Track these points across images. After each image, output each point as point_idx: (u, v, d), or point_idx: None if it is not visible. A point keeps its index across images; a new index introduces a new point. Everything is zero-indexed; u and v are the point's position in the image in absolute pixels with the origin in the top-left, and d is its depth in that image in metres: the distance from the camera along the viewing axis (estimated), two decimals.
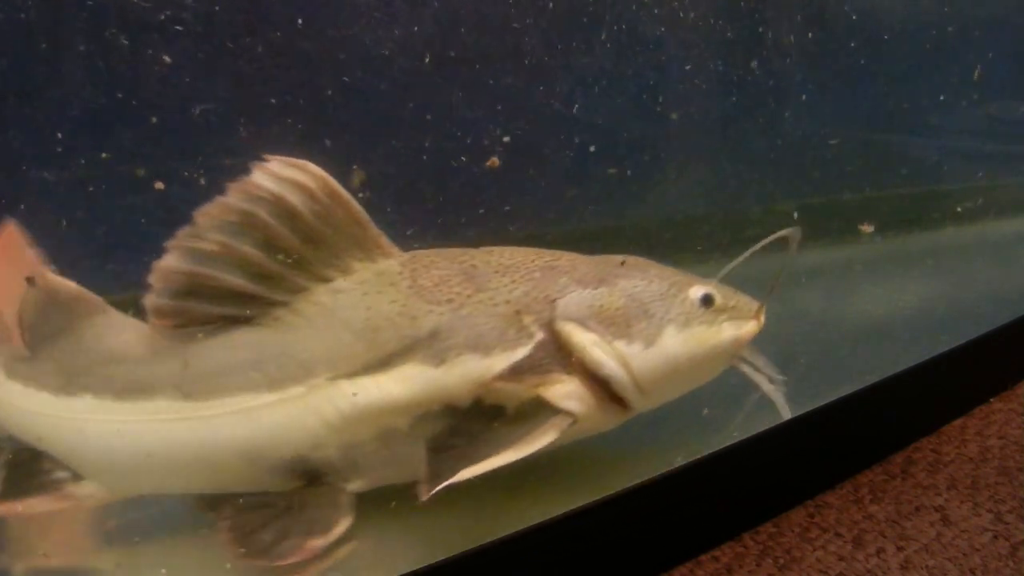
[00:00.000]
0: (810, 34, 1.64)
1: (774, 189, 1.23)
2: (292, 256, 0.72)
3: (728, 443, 0.88)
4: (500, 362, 0.72)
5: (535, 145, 1.39)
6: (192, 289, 0.71)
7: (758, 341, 0.85)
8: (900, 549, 0.89)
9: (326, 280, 0.74)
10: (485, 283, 0.76)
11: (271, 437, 0.71)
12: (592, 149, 1.47)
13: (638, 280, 0.80)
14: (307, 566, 0.67)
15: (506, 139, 1.33)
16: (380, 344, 0.72)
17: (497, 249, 0.81)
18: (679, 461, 0.79)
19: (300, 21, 1.09)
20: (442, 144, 1.30)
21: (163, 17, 1.01)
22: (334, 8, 1.12)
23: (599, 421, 0.78)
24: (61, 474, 0.74)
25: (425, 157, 1.28)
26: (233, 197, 0.70)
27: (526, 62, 1.34)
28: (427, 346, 0.72)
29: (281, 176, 0.71)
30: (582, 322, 0.75)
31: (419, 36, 1.19)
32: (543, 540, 0.75)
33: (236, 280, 0.71)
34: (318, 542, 0.68)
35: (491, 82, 1.32)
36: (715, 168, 1.56)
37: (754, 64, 1.59)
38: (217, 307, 0.72)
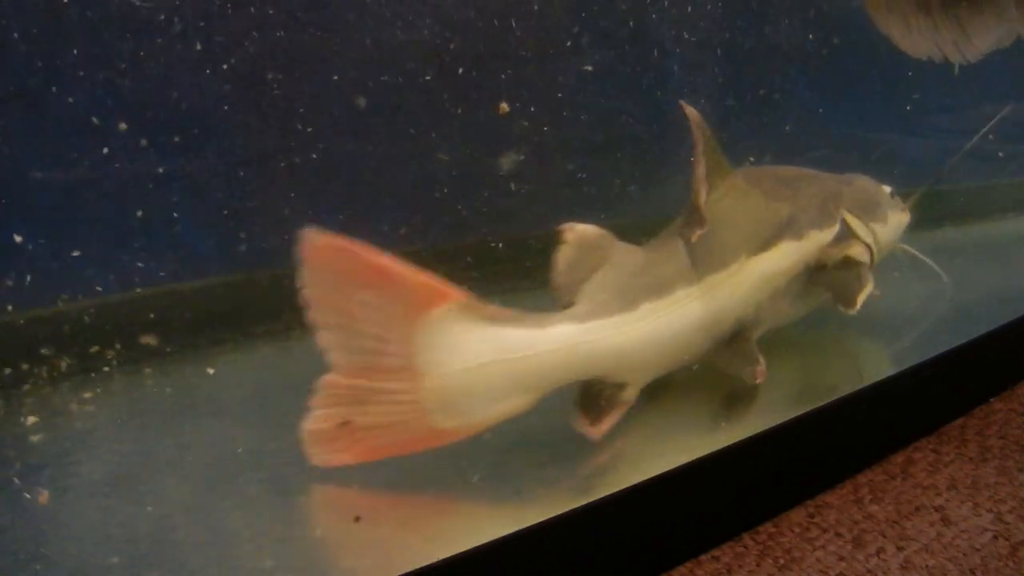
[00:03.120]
0: (811, 35, 1.64)
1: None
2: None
3: (728, 443, 0.88)
4: (828, 234, 1.10)
5: (531, 146, 1.39)
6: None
7: None
8: (900, 549, 0.89)
9: (715, 193, 1.01)
10: (797, 185, 1.12)
11: (729, 303, 0.99)
12: (592, 149, 1.47)
13: (863, 182, 1.25)
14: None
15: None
16: (763, 231, 1.04)
17: (779, 167, 1.19)
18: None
19: None
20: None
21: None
22: None
23: None
24: (609, 390, 0.92)
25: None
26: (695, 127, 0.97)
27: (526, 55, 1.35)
28: (789, 228, 1.06)
29: (689, 113, 0.97)
30: (852, 210, 1.15)
31: None
32: (543, 540, 0.75)
33: (694, 197, 0.97)
34: (760, 367, 0.99)
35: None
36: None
37: (754, 64, 1.59)
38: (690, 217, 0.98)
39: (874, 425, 1.07)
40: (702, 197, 0.97)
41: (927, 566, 0.86)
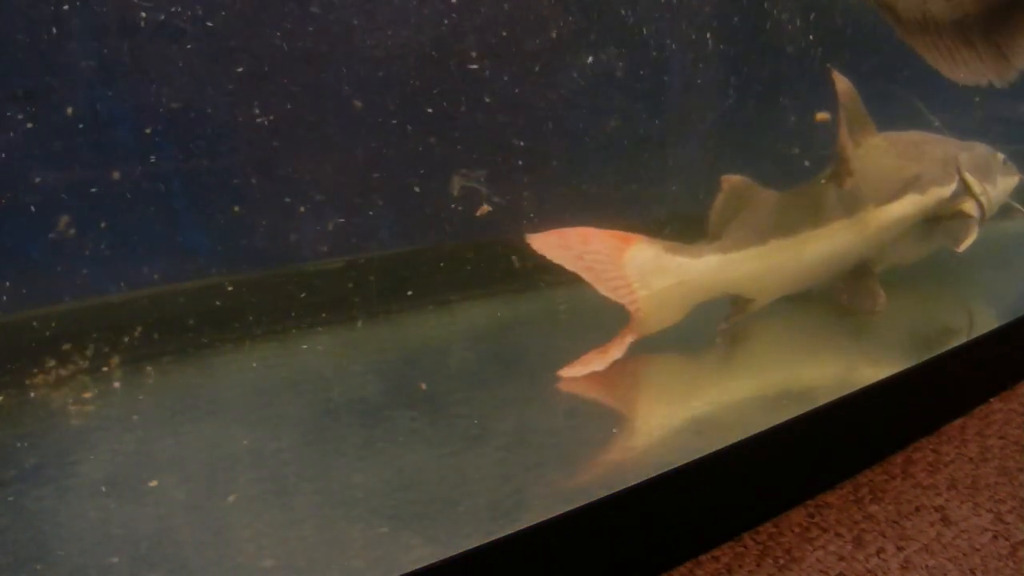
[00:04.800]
0: (811, 35, 1.64)
1: (774, 188, 1.26)
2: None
3: (728, 443, 0.88)
4: (947, 190, 1.32)
5: (533, 145, 1.39)
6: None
7: None
8: (900, 549, 0.89)
9: (857, 149, 1.25)
10: (923, 147, 1.35)
11: (852, 245, 1.22)
12: (591, 148, 1.47)
13: (980, 148, 1.44)
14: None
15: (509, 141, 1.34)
16: (891, 185, 1.26)
17: (913, 132, 1.42)
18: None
19: None
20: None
21: None
22: None
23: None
24: (741, 302, 1.19)
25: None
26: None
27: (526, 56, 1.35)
28: (914, 184, 1.28)
29: (837, 80, 1.23)
30: (970, 171, 1.35)
31: None
32: (543, 540, 0.75)
33: (841, 154, 1.22)
34: (880, 298, 1.26)
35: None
36: (715, 168, 1.56)
37: (754, 63, 1.59)
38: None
39: (874, 425, 1.07)
40: (848, 154, 1.22)
41: (927, 566, 0.86)
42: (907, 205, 1.27)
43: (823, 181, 1.24)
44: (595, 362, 1.07)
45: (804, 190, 1.23)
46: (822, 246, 1.19)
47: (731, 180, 1.16)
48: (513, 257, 1.36)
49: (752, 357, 1.19)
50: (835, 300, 1.29)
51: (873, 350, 1.21)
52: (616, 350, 1.07)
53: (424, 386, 1.05)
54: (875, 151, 1.28)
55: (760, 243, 1.15)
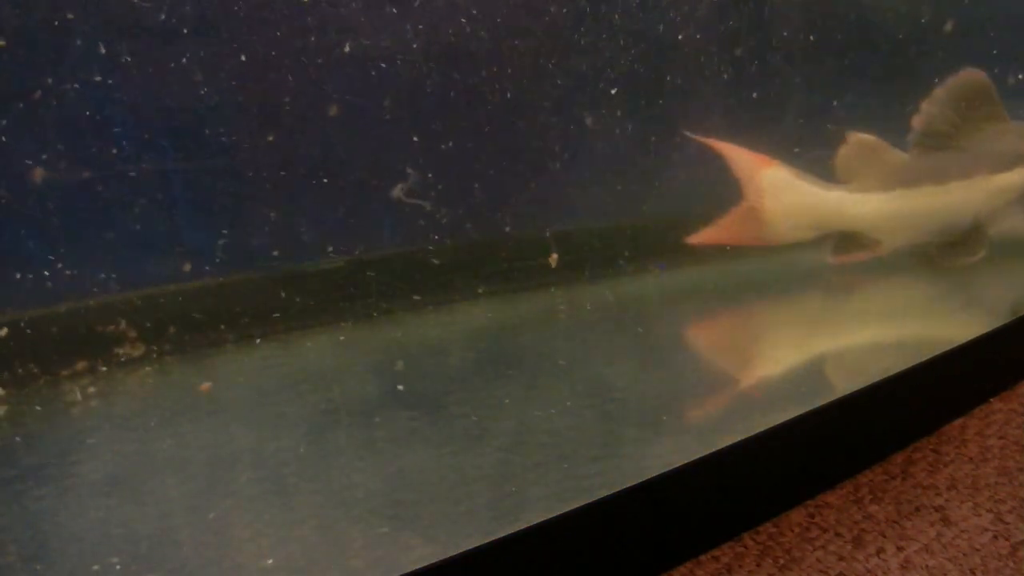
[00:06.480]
0: (811, 36, 1.64)
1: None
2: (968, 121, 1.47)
3: (728, 443, 0.88)
4: None
5: (531, 145, 1.39)
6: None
7: None
8: (900, 549, 0.89)
9: (981, 130, 1.46)
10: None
11: (965, 203, 1.43)
12: (589, 149, 1.47)
13: None
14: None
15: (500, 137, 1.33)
16: (1008, 159, 1.45)
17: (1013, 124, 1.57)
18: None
19: None
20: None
21: None
22: None
23: None
24: (866, 241, 1.46)
25: None
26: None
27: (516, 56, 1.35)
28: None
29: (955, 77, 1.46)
30: None
31: None
32: (543, 540, 0.75)
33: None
34: (981, 254, 1.45)
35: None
36: (714, 168, 1.56)
37: (752, 63, 1.59)
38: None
39: (874, 425, 1.07)
40: (929, 128, 1.46)
41: (927, 566, 0.86)
42: (1015, 176, 1.47)
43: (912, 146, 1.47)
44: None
45: (927, 154, 1.45)
46: (940, 200, 1.42)
47: (857, 137, 1.42)
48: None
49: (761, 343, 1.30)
50: (928, 256, 1.49)
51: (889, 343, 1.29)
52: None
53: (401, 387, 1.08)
54: (1000, 133, 1.48)
55: (886, 191, 1.39)
